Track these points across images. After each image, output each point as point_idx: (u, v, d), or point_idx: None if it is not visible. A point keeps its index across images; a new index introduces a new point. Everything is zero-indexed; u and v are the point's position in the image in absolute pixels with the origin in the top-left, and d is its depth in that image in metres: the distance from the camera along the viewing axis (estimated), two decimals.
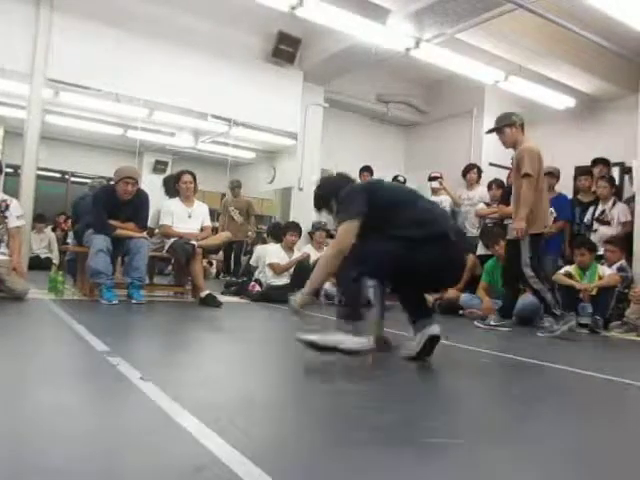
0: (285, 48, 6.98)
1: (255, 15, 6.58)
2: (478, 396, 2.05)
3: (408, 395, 1.99)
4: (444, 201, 6.77)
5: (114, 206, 4.55)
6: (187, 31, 6.42)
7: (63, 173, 9.08)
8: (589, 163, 6.39)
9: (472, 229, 6.56)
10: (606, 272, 4.78)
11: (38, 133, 5.67)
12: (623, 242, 5.29)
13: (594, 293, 4.64)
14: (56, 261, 8.16)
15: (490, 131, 4.41)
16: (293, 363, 2.50)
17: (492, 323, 4.38)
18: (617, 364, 3.29)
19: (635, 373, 2.82)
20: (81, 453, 1.21)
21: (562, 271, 4.95)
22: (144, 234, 4.70)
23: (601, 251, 5.20)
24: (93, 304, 4.21)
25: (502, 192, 6.11)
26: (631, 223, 5.50)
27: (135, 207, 4.66)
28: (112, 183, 4.68)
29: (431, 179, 6.93)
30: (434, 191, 6.89)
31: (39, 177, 5.84)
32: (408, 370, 2.50)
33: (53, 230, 8.99)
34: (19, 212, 4.51)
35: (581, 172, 6.14)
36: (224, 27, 6.68)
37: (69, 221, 7.77)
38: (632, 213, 5.54)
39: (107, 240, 4.34)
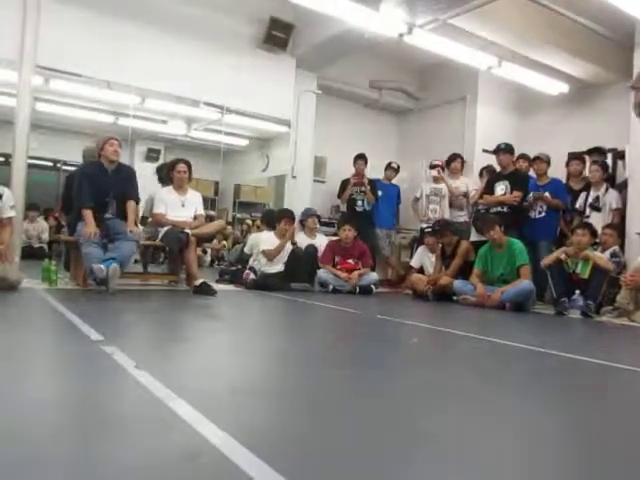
0: (277, 34, 6.91)
1: (247, 0, 6.51)
2: (469, 380, 2.07)
3: (402, 382, 2.01)
4: (443, 189, 6.71)
5: (103, 179, 4.61)
6: (179, 18, 6.35)
7: (55, 162, 8.99)
8: (582, 149, 6.42)
9: (457, 218, 6.58)
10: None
11: (28, 121, 5.60)
12: (619, 228, 5.38)
13: (586, 277, 4.69)
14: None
15: None
16: (288, 350, 2.51)
17: None
18: (608, 348, 3.33)
19: (626, 357, 2.85)
20: (76, 442, 1.21)
21: (553, 256, 4.96)
22: (139, 229, 4.74)
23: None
24: (87, 293, 4.20)
25: (488, 179, 6.09)
26: (621, 210, 5.57)
27: (124, 183, 4.74)
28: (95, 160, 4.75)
29: (432, 167, 6.82)
30: (435, 179, 6.78)
31: (30, 166, 5.79)
32: (401, 358, 2.52)
33: (45, 219, 8.93)
34: (12, 202, 4.49)
35: (573, 157, 6.16)
36: (216, 13, 6.60)
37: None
38: (623, 200, 5.60)
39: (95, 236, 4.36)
